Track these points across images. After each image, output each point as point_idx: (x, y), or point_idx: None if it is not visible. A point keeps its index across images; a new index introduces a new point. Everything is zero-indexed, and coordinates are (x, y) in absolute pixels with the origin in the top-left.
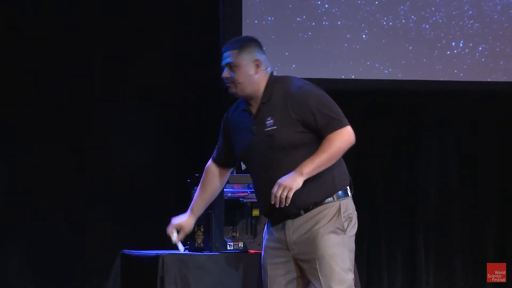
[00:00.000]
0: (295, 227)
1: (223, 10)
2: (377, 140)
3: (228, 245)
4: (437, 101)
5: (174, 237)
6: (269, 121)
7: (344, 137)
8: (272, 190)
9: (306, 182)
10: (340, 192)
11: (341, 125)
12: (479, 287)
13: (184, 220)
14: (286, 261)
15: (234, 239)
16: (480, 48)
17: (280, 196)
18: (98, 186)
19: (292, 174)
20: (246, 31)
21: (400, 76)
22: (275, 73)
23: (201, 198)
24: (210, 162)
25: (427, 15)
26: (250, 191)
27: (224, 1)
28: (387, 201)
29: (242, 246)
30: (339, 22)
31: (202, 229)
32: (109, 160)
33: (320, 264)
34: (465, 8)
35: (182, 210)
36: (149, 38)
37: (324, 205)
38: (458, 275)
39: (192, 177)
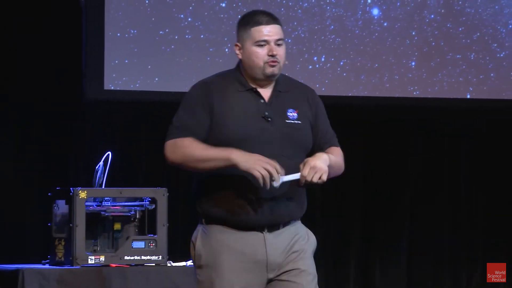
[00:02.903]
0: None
1: (86, 23)
2: None
3: (89, 259)
4: None
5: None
6: (292, 114)
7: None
8: (302, 172)
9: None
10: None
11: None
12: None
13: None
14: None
15: (95, 252)
16: (341, 63)
17: (311, 180)
18: None
19: (321, 156)
20: (108, 44)
21: None
22: (137, 86)
23: None
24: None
25: (289, 29)
26: (112, 204)
27: (86, 13)
28: None
29: (103, 260)
30: (202, 36)
31: (63, 243)
32: None
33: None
34: (327, 23)
35: (44, 223)
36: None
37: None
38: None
39: (53, 190)
